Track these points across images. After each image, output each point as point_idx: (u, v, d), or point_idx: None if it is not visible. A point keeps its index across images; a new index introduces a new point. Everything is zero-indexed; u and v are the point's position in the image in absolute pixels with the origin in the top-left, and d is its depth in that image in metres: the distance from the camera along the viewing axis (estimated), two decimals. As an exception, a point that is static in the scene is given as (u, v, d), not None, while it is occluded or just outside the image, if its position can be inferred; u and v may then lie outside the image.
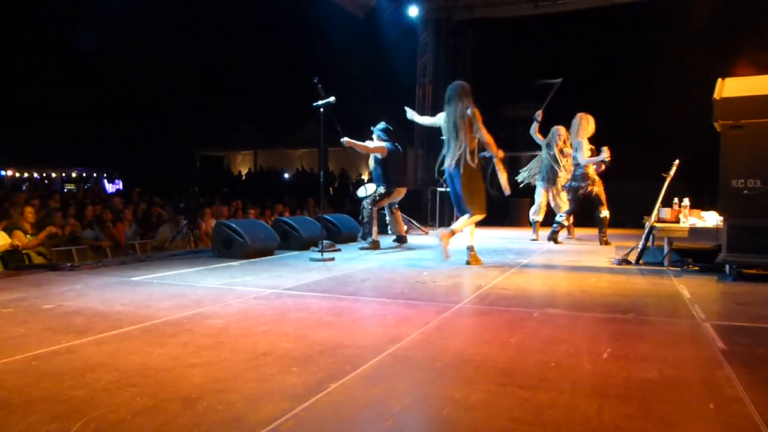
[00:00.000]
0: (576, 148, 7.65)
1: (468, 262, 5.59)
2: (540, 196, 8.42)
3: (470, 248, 5.71)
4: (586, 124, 7.61)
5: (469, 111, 5.44)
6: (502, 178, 5.58)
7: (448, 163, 5.54)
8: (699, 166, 8.08)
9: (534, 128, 8.19)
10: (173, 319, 3.13)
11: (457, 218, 5.78)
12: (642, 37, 11.94)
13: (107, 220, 8.66)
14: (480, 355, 2.53)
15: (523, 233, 9.14)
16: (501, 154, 5.59)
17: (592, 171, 7.66)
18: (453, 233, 5.63)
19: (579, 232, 9.05)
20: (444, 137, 5.72)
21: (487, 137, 5.46)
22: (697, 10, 10.54)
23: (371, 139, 7.12)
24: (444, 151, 5.67)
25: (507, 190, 5.66)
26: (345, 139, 6.61)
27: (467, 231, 5.70)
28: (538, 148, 8.44)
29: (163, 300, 3.67)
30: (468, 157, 5.42)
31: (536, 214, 8.47)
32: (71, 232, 8.08)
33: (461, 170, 5.47)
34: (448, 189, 6.04)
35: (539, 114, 8.08)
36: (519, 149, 12.25)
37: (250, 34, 24.50)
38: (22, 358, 2.41)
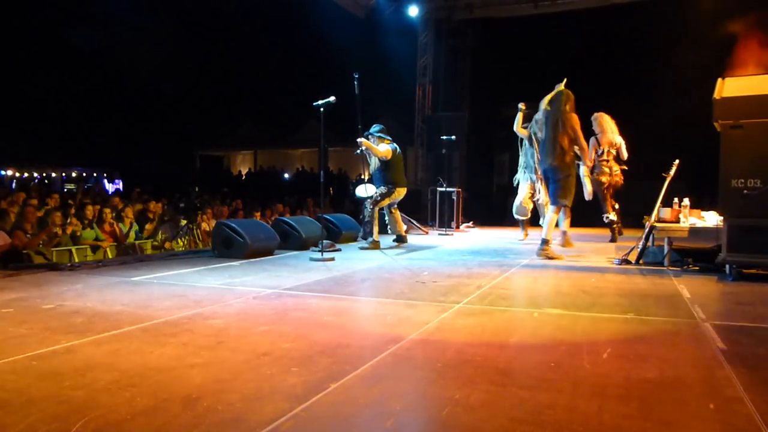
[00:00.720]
0: (619, 145, 7.70)
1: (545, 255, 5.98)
2: (524, 190, 7.80)
3: (547, 242, 6.07)
4: (610, 120, 7.74)
5: (569, 117, 6.05)
6: (587, 183, 6.17)
7: (550, 162, 6.04)
8: (699, 166, 8.08)
9: (518, 122, 7.58)
10: (173, 319, 3.13)
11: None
12: (642, 37, 11.93)
13: (107, 219, 8.65)
14: (480, 355, 2.53)
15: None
16: (590, 163, 6.25)
17: (612, 165, 7.75)
18: (566, 233, 6.40)
19: (582, 232, 9.04)
20: (538, 137, 6.28)
21: (583, 145, 6.16)
22: (697, 10, 10.55)
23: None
24: (540, 150, 6.28)
25: (589, 196, 6.23)
26: (361, 139, 6.75)
27: (547, 224, 6.18)
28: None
29: (163, 300, 3.67)
30: (563, 155, 5.99)
31: (520, 211, 7.89)
32: (71, 232, 8.07)
33: (558, 167, 6.00)
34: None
35: (522, 105, 7.56)
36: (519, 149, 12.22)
37: (250, 34, 24.50)
38: (22, 358, 2.41)
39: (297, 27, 22.15)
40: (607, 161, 7.80)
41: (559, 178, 6.02)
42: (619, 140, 7.74)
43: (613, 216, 7.89)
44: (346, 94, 6.28)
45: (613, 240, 7.87)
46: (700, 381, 2.21)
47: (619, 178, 7.85)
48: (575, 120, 6.04)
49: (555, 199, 6.11)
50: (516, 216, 8.12)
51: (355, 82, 6.20)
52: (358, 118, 6.57)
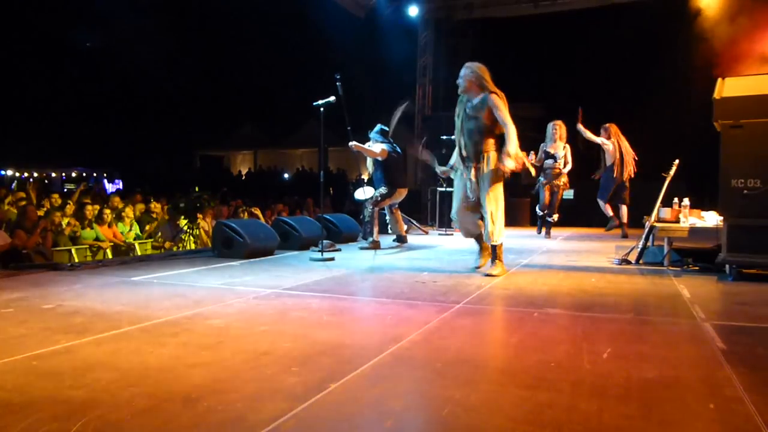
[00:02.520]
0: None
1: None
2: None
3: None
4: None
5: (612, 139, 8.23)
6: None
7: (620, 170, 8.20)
8: (699, 166, 8.10)
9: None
10: (173, 319, 3.13)
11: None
12: (642, 37, 11.92)
13: (106, 219, 8.66)
14: (480, 355, 2.53)
15: (523, 233, 9.14)
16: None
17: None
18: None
19: (583, 231, 9.05)
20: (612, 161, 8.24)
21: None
22: (698, 10, 10.55)
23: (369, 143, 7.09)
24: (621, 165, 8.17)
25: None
26: (353, 143, 6.65)
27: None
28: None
29: (163, 300, 3.67)
30: None
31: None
32: (71, 232, 8.07)
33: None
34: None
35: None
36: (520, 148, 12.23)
37: (251, 34, 24.51)
38: (22, 358, 2.41)
39: (297, 27, 22.17)
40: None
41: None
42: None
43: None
44: (346, 94, 6.24)
45: (547, 234, 8.67)
46: (700, 381, 2.21)
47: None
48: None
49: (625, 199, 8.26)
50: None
51: (338, 84, 6.03)
52: (347, 120, 6.46)
